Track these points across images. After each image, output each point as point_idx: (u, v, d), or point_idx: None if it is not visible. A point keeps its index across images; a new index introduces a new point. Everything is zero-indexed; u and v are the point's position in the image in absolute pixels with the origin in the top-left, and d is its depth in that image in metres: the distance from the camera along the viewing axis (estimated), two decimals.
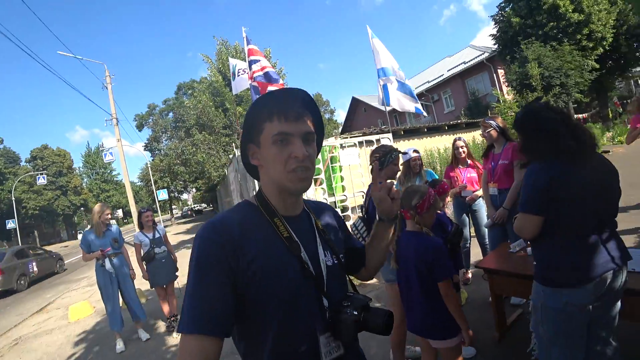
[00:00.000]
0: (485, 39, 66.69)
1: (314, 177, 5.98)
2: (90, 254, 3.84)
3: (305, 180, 0.83)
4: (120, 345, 3.90)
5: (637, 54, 17.55)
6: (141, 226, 4.24)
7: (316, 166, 5.63)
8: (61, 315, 6.11)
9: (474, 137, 10.91)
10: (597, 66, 14.87)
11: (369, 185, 2.42)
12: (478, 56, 20.76)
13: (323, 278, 0.85)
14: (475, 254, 4.00)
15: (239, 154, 6.89)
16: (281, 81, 5.52)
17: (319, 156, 6.45)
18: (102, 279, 3.89)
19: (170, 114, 25.96)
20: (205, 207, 44.98)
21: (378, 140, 5.56)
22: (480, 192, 3.46)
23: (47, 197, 34.00)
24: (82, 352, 4.18)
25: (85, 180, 45.96)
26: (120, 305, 4.03)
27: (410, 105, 5.62)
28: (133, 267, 4.17)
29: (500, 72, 19.02)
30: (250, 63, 5.34)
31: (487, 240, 3.56)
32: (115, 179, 47.53)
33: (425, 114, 6.09)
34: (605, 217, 1.39)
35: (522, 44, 14.46)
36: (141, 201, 49.27)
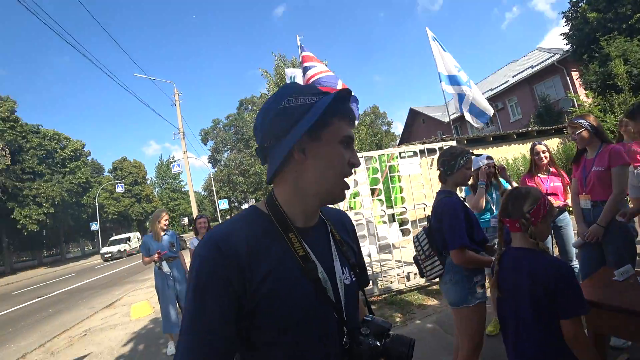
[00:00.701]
0: (554, 40, 60.86)
1: (372, 187, 5.74)
2: (149, 257, 4.00)
3: (347, 190, 0.78)
4: (171, 348, 3.96)
5: None
6: (196, 232, 4.34)
7: (373, 176, 5.39)
8: (125, 312, 6.53)
9: (546, 146, 9.78)
10: None
11: (437, 193, 2.11)
12: (548, 59, 18.87)
13: (341, 300, 0.75)
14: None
15: None
16: (340, 85, 5.32)
17: (377, 165, 6.16)
18: (159, 282, 4.01)
19: (232, 128, 27.62)
20: None
21: (441, 148, 5.13)
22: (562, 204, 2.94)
23: (124, 204, 37.91)
24: (137, 349, 4.35)
25: (156, 189, 50.67)
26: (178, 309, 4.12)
27: (477, 123, 5.16)
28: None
29: (575, 74, 17.08)
30: (305, 69, 5.29)
31: (575, 262, 2.98)
32: (182, 188, 51.65)
33: (480, 124, 5.43)
34: None
35: (602, 40, 12.77)
36: (205, 210, 52.82)
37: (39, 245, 29.22)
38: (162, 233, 4.05)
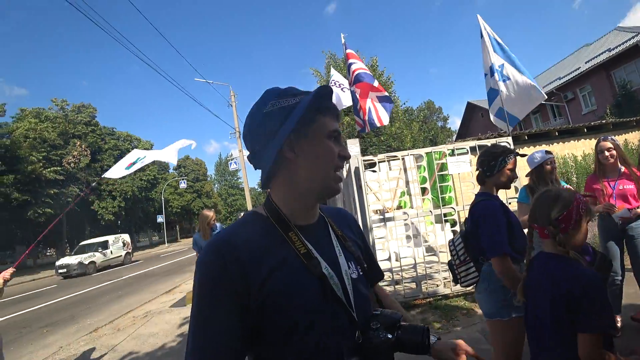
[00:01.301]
0: (638, 18, 52.52)
1: (422, 186, 5.57)
2: None
3: (341, 182, 0.78)
4: None
5: None
6: None
7: (422, 174, 5.20)
8: (182, 298, 7.09)
9: (626, 141, 8.55)
10: None
11: (475, 195, 1.96)
12: (630, 39, 16.40)
13: (349, 295, 0.74)
14: (630, 294, 2.96)
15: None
16: (376, 83, 5.33)
17: (425, 163, 5.90)
18: None
19: None
20: None
21: (495, 145, 4.74)
22: None
23: (187, 199, 41.24)
24: (184, 337, 4.68)
25: (216, 186, 54.27)
26: None
27: (502, 124, 4.75)
28: None
29: None
30: (350, 65, 5.43)
31: None
32: (240, 185, 54.65)
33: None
34: None
35: None
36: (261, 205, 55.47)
37: (114, 234, 33.04)
38: (209, 231, 4.28)
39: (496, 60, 4.56)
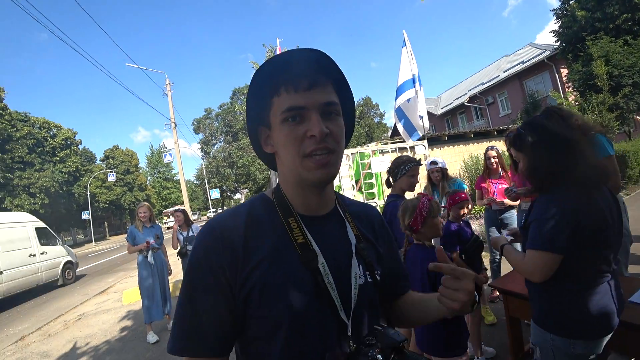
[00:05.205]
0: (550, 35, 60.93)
1: (357, 179, 6.10)
2: (134, 246, 4.28)
3: (326, 167, 0.65)
4: (153, 337, 4.11)
5: None
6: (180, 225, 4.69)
7: (353, 171, 5.78)
8: (117, 298, 6.86)
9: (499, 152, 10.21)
10: None
11: (387, 197, 2.40)
12: (538, 55, 19.19)
13: (351, 301, 0.67)
14: (508, 269, 3.78)
15: None
16: None
17: (351, 162, 6.47)
18: (143, 272, 4.30)
19: (221, 119, 27.51)
20: None
21: (412, 147, 5.48)
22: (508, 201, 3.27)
23: (116, 193, 37.83)
24: (124, 333, 4.68)
25: (149, 178, 50.46)
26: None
27: (406, 136, 5.56)
28: (170, 264, 4.58)
29: (564, 71, 17.41)
30: None
31: None
32: (175, 177, 51.48)
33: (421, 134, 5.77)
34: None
35: (588, 39, 12.88)
36: (197, 199, 52.71)
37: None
38: (149, 225, 4.33)
39: (415, 70, 5.23)
